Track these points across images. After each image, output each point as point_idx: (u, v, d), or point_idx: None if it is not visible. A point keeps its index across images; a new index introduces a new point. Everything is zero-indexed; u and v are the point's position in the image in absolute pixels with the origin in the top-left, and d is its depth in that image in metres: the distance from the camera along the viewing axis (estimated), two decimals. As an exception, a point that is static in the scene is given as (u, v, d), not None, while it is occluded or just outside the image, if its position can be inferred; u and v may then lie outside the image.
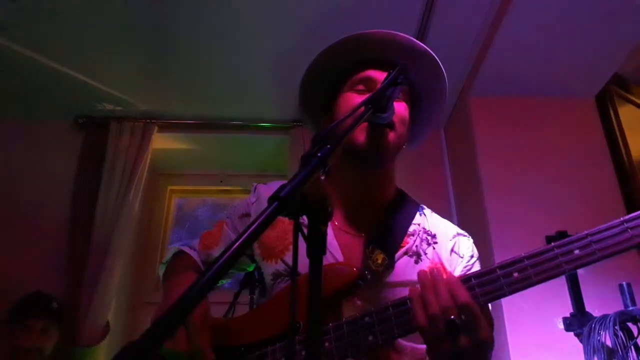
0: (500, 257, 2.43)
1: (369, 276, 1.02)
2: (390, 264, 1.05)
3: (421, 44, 1.15)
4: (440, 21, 2.48)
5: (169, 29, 2.56)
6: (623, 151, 2.85)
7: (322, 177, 1.20)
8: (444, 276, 0.89)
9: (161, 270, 1.28)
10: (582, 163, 2.72)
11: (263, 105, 3.13)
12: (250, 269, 1.27)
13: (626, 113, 2.99)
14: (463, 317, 0.84)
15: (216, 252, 1.23)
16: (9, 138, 3.12)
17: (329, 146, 0.68)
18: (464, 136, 2.94)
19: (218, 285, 0.67)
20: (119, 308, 2.91)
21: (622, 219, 0.91)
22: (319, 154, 0.66)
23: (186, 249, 1.27)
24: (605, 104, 2.94)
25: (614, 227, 0.90)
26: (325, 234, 0.64)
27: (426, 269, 0.91)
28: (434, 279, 0.88)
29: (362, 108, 0.84)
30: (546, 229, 2.50)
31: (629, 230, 0.89)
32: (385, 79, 0.92)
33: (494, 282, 0.91)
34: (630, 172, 2.77)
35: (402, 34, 1.15)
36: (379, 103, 0.89)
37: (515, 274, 0.90)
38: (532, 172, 2.67)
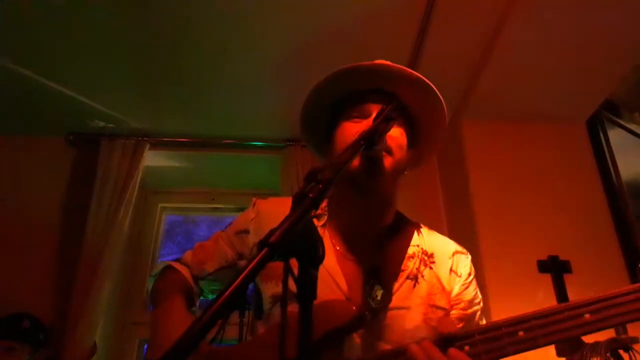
0: (491, 281, 2.43)
1: (369, 317, 1.00)
2: (389, 299, 1.04)
3: (417, 74, 1.16)
4: (434, 44, 2.50)
5: (161, 46, 2.55)
6: (613, 175, 2.87)
7: (325, 203, 1.20)
8: (432, 346, 0.89)
9: (150, 284, 1.26)
10: (573, 187, 2.74)
11: (256, 125, 3.13)
12: None
13: (616, 136, 3.02)
14: None
15: (210, 267, 1.21)
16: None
17: (320, 186, 0.67)
18: (456, 158, 2.94)
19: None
20: (106, 327, 2.86)
21: (636, 286, 0.87)
22: (310, 195, 0.65)
23: (176, 265, 1.23)
24: (596, 128, 2.98)
25: (628, 293, 0.86)
26: (315, 278, 0.63)
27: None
28: (425, 350, 0.88)
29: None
30: (538, 253, 2.53)
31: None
32: (378, 115, 0.92)
33: (498, 339, 0.88)
34: (620, 195, 2.79)
35: (398, 66, 1.16)
36: (371, 138, 0.88)
37: (521, 333, 0.87)
38: (523, 196, 2.68)
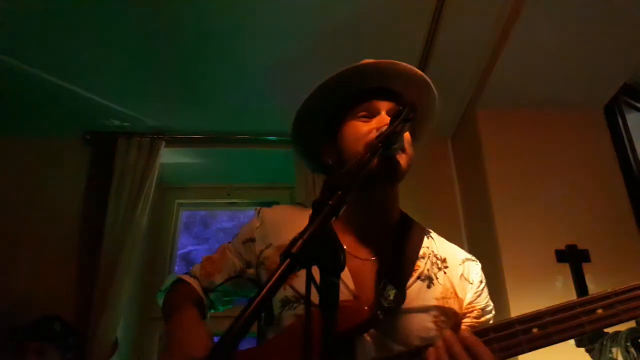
0: (509, 271, 2.42)
1: (381, 316, 1.00)
2: (401, 299, 1.04)
3: (421, 73, 1.19)
4: (447, 33, 2.47)
5: (175, 44, 2.57)
6: (632, 159, 2.82)
7: None
8: (456, 338, 0.89)
9: (160, 299, 1.28)
10: (591, 174, 2.70)
11: (270, 119, 3.13)
12: (253, 294, 1.26)
13: (634, 121, 2.97)
14: None
15: (219, 279, 1.23)
16: (17, 154, 3.12)
17: (340, 193, 0.67)
18: (471, 148, 2.92)
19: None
20: (127, 323, 2.91)
21: None
22: (330, 202, 0.66)
23: (186, 278, 1.26)
24: (614, 113, 2.92)
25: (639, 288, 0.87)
26: (337, 286, 0.64)
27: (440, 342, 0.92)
28: (446, 341, 0.89)
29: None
30: (556, 242, 2.51)
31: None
32: (396, 116, 0.93)
33: (512, 337, 0.89)
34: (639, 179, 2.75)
35: (401, 63, 1.18)
36: (388, 140, 0.89)
37: (535, 330, 0.88)
38: (540, 185, 2.65)
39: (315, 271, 0.65)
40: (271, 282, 0.54)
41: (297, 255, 0.57)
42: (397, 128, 0.91)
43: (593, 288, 2.36)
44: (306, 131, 1.27)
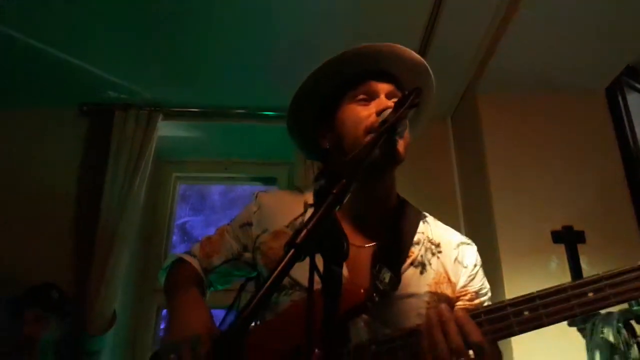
0: (505, 251, 2.44)
1: (377, 298, 1.01)
2: (396, 282, 1.05)
3: (420, 57, 1.18)
4: (449, 17, 2.42)
5: (175, 16, 2.52)
6: (630, 141, 2.81)
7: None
8: (452, 315, 0.89)
9: (162, 277, 1.30)
10: (589, 156, 2.70)
11: (268, 94, 3.10)
12: (254, 274, 1.28)
13: (635, 101, 2.95)
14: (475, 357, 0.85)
15: (217, 261, 1.25)
16: (13, 126, 3.10)
17: (344, 182, 0.67)
18: (471, 129, 2.91)
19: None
20: (125, 296, 2.93)
21: (637, 265, 0.88)
22: (334, 191, 0.65)
23: (186, 257, 1.28)
24: (615, 95, 2.90)
25: (631, 271, 0.87)
26: (340, 276, 0.64)
27: (432, 311, 0.92)
28: (441, 317, 0.89)
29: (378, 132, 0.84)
30: (552, 223, 2.52)
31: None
32: (402, 102, 0.92)
33: (503, 319, 0.90)
34: (638, 163, 2.75)
35: (399, 46, 1.17)
36: (394, 127, 0.88)
37: (526, 313, 0.89)
38: (539, 166, 2.66)
39: (317, 258, 0.65)
40: (276, 272, 0.55)
41: (302, 245, 0.57)
42: (403, 114, 0.90)
43: (587, 269, 2.39)
44: (303, 115, 1.26)
